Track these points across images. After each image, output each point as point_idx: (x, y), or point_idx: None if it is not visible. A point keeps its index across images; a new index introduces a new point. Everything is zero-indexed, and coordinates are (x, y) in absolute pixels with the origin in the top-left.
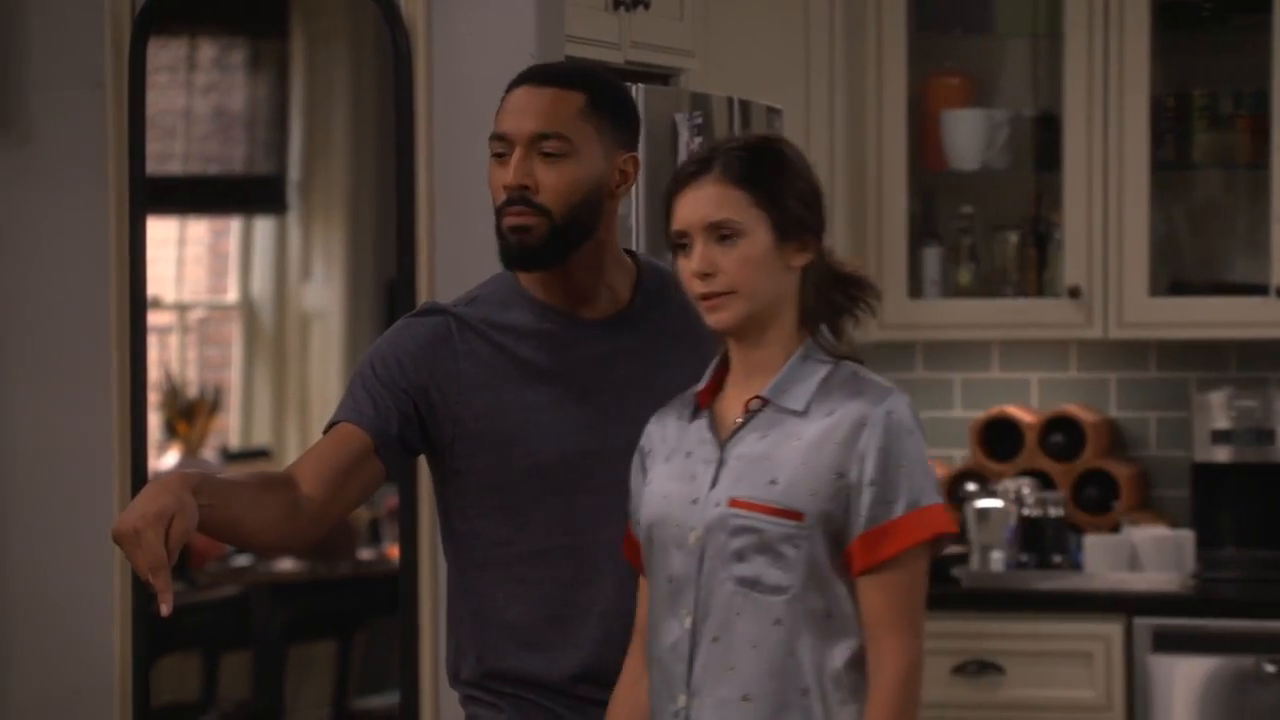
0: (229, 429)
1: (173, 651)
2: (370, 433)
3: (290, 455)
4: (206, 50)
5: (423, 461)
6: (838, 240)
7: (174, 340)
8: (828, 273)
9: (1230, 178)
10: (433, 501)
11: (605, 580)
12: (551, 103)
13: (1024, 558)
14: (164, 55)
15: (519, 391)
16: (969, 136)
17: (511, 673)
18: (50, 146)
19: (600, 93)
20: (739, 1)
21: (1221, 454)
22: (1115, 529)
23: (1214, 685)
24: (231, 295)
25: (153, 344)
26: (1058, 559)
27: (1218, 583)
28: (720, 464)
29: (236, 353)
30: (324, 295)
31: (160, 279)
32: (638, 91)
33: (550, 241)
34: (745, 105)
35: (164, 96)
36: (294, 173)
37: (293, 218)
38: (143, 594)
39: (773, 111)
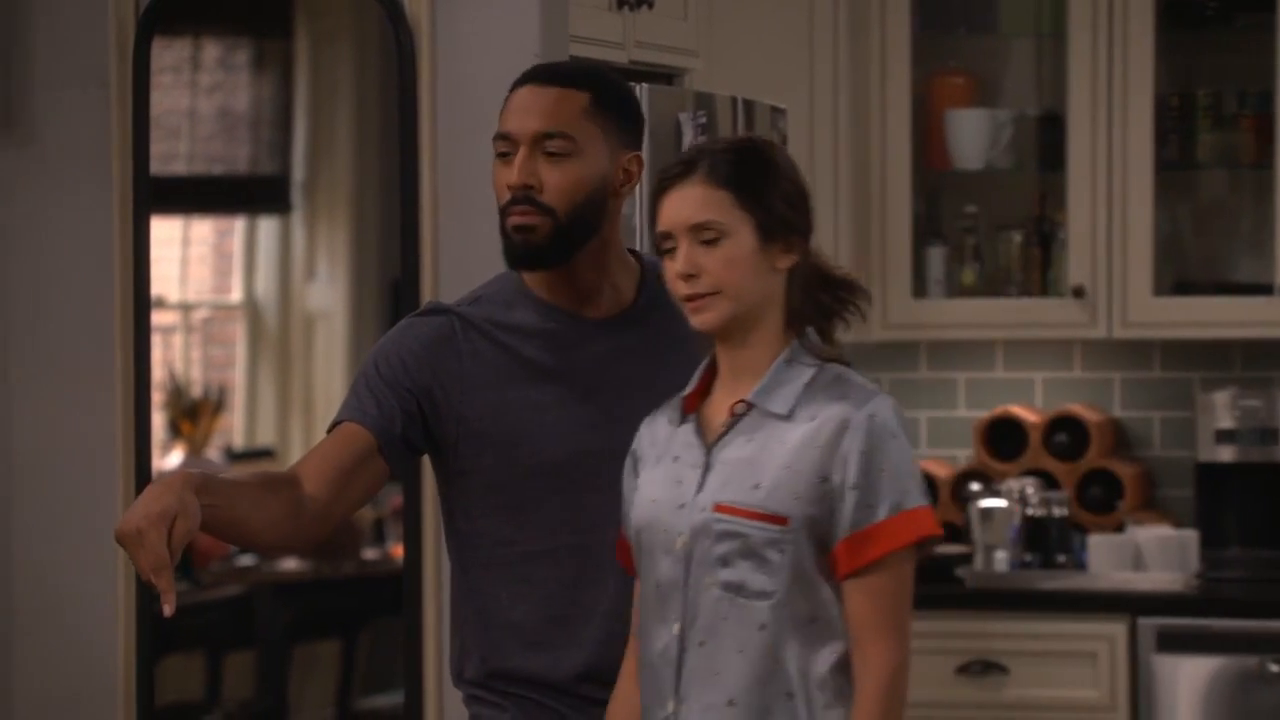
0: (233, 429)
1: (176, 651)
2: (374, 432)
3: (294, 455)
4: (211, 50)
5: (426, 461)
6: (842, 240)
7: (178, 340)
8: (815, 275)
9: (1235, 177)
10: (437, 501)
11: (609, 580)
12: (556, 102)
13: (1028, 557)
14: (168, 55)
15: (523, 391)
16: (973, 136)
17: (515, 672)
18: (55, 146)
19: (604, 92)
20: (743, 1)
21: (1226, 454)
22: (1119, 529)
23: (1218, 685)
24: (235, 295)
25: (157, 344)
26: (1062, 559)
27: (1222, 583)
28: (706, 468)
29: (240, 352)
30: (328, 295)
31: (164, 279)
32: (642, 91)
33: (554, 241)
34: (749, 105)
35: (168, 96)
36: (298, 172)
37: (297, 217)
38: (146, 594)
39: (777, 111)
